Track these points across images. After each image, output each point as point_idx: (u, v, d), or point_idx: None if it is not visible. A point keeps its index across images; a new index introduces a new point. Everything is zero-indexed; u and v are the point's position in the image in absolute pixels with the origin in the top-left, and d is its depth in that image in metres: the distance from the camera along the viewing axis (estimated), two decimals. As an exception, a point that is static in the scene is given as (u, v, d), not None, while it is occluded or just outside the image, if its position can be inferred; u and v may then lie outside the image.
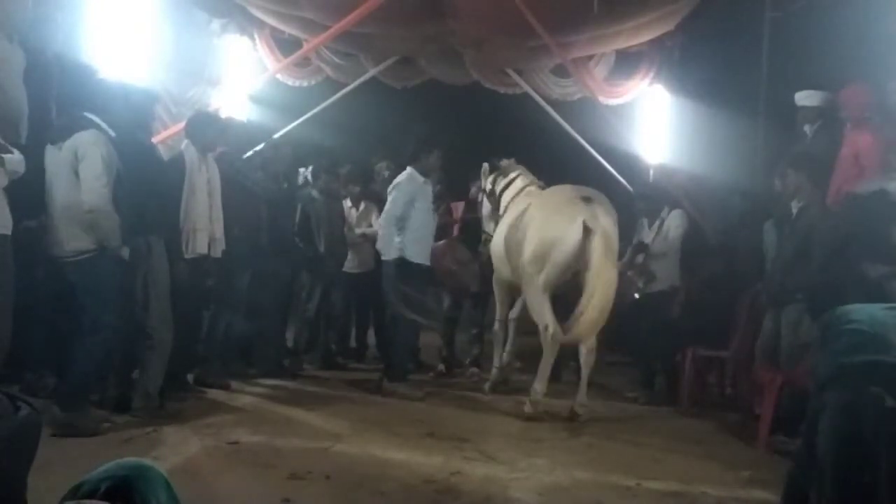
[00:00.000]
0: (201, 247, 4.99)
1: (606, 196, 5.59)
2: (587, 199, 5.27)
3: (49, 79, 4.60)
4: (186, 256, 4.87)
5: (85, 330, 4.13)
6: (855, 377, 2.42)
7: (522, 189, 6.02)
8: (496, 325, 6.19)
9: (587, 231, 5.08)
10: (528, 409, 5.20)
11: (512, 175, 6.15)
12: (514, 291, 6.07)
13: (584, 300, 5.04)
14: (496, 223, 6.09)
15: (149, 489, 1.32)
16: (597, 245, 5.05)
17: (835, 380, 2.50)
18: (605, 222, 5.18)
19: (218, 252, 5.15)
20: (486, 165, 6.39)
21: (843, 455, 2.42)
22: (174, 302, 4.64)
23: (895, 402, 2.27)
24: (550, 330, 5.20)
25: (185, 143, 5.14)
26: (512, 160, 6.28)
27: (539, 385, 5.23)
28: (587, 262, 5.09)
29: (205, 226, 5.01)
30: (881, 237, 2.92)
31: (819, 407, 2.57)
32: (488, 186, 6.28)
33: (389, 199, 5.73)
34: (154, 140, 5.14)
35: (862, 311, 2.51)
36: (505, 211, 5.98)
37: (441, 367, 6.74)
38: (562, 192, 5.50)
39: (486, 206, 6.34)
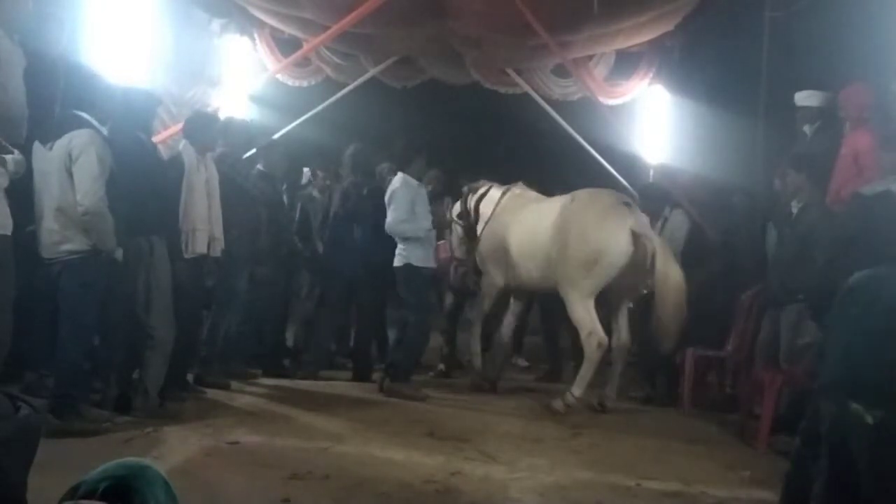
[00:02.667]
0: (200, 246, 4.99)
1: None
2: (628, 205, 5.38)
3: (53, 79, 4.59)
4: (186, 256, 4.86)
5: (67, 332, 4.08)
6: (841, 390, 2.42)
7: (505, 193, 6.09)
8: (474, 326, 6.21)
9: (635, 237, 5.16)
10: (557, 406, 5.28)
11: (482, 189, 6.25)
12: (506, 295, 6.13)
13: (658, 310, 5.13)
14: (468, 247, 6.19)
15: (147, 489, 1.32)
16: (658, 250, 5.15)
17: (827, 390, 2.50)
18: (647, 225, 5.33)
19: (217, 251, 5.14)
20: (448, 200, 6.55)
21: (833, 460, 2.43)
22: (175, 302, 4.64)
23: (874, 418, 2.27)
24: (596, 337, 5.24)
25: (183, 144, 5.14)
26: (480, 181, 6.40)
27: (577, 390, 5.30)
28: (649, 269, 5.19)
29: (204, 226, 5.01)
30: (886, 239, 2.92)
31: (816, 409, 2.58)
32: (457, 209, 6.34)
33: (391, 208, 5.63)
34: (154, 140, 5.13)
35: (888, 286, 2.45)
36: (490, 218, 6.02)
37: (441, 366, 6.75)
38: (602, 198, 5.51)
39: (458, 232, 6.34)
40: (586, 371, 5.28)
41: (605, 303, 5.51)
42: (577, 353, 6.19)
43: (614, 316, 5.52)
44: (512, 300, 6.21)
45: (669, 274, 5.11)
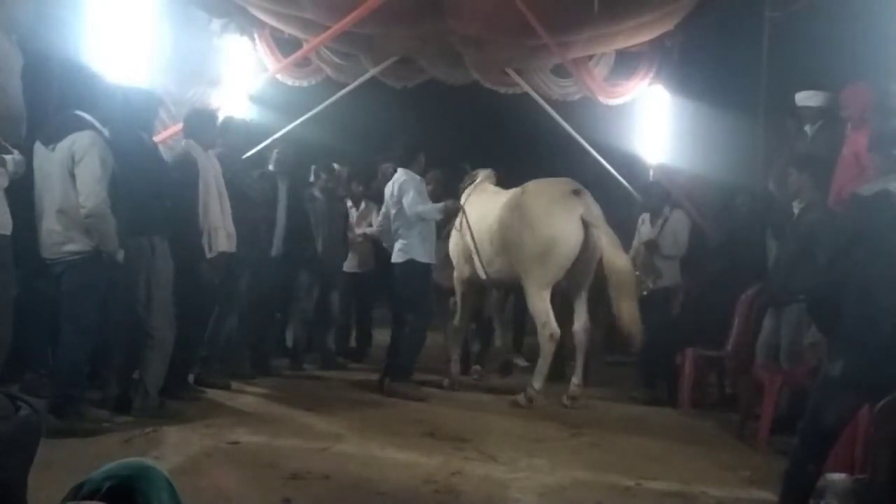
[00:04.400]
0: (222, 244, 4.99)
1: (604, 195, 5.70)
2: (577, 192, 5.42)
3: (51, 79, 4.58)
4: (209, 256, 4.87)
5: (68, 332, 4.08)
6: None
7: (477, 186, 6.20)
8: (455, 322, 6.24)
9: (585, 225, 5.22)
10: (520, 400, 5.38)
11: (477, 179, 6.34)
12: (475, 288, 6.18)
13: (614, 295, 5.21)
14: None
15: (151, 490, 1.32)
16: (603, 239, 5.22)
17: None
18: (598, 214, 5.37)
19: (233, 247, 5.13)
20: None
21: None
22: (193, 302, 4.66)
23: None
24: (549, 329, 5.32)
25: (187, 142, 5.10)
26: (483, 170, 6.44)
27: (537, 383, 5.39)
28: (598, 257, 5.27)
29: (220, 223, 5.02)
30: (885, 238, 2.94)
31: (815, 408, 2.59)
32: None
33: (404, 198, 5.61)
34: (154, 140, 5.13)
35: None
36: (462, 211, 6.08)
37: None
38: (551, 187, 5.59)
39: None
40: (543, 363, 5.41)
41: (563, 291, 5.59)
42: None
43: (573, 302, 5.58)
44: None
45: (617, 264, 5.21)
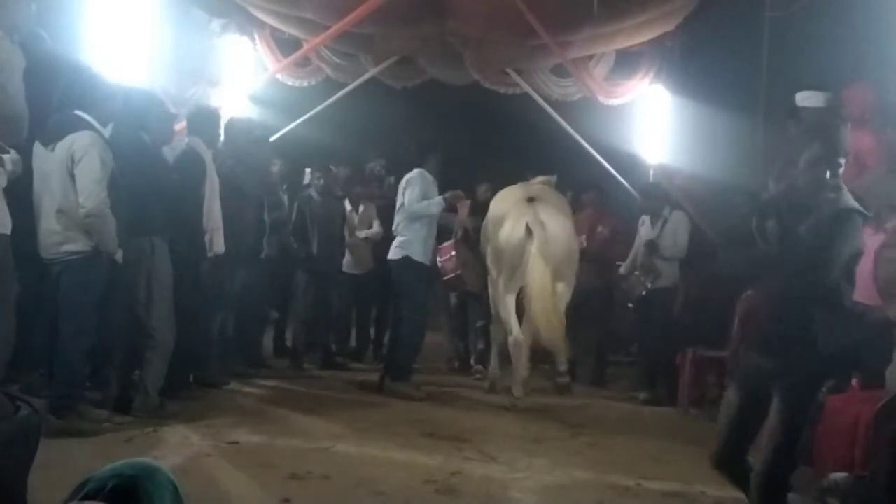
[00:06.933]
0: (219, 246, 5.00)
1: (605, 192, 5.71)
2: (531, 200, 5.50)
3: (52, 79, 4.58)
4: (209, 255, 4.89)
5: (68, 332, 4.07)
6: None
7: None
8: (492, 326, 6.20)
9: (529, 233, 5.30)
10: (509, 404, 5.42)
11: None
12: None
13: (527, 311, 5.28)
14: None
15: (155, 492, 1.32)
16: (533, 251, 5.25)
17: None
18: (549, 222, 5.39)
19: (222, 248, 5.14)
20: None
21: None
22: (190, 302, 4.65)
23: None
24: (513, 335, 5.42)
25: (192, 139, 5.07)
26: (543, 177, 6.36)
27: (515, 389, 5.47)
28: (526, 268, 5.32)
29: (220, 224, 5.02)
30: None
31: None
32: None
33: (405, 194, 5.65)
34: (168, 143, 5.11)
35: None
36: None
37: (456, 363, 6.80)
38: (511, 194, 5.74)
39: None
40: (515, 369, 5.51)
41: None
42: (577, 352, 6.21)
43: None
44: None
45: (534, 276, 5.22)
